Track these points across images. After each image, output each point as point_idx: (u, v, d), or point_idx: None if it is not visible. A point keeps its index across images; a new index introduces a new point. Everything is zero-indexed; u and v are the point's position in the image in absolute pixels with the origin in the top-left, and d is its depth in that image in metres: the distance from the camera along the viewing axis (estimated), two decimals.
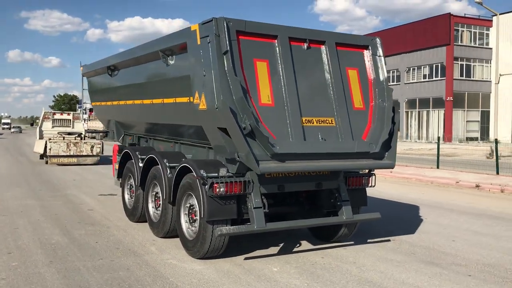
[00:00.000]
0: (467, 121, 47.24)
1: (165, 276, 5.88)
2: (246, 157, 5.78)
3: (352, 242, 7.74)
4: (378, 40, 7.15)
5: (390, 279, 5.95)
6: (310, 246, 7.47)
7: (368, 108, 6.87)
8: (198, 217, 6.57)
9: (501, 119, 46.00)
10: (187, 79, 6.78)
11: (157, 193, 7.93)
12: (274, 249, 7.23)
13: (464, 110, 46.93)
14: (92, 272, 5.97)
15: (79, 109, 67.04)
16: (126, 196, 9.34)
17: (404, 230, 8.66)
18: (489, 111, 47.34)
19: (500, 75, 37.58)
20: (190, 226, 6.84)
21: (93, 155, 20.34)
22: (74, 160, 20.11)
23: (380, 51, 7.10)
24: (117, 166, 9.99)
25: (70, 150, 19.88)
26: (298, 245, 7.53)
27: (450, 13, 46.44)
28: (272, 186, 6.51)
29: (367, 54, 7.07)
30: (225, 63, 5.90)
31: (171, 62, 7.40)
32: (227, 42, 5.89)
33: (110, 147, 32.30)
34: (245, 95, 5.81)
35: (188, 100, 6.97)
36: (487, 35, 48.16)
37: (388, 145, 6.77)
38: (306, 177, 6.73)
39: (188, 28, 6.66)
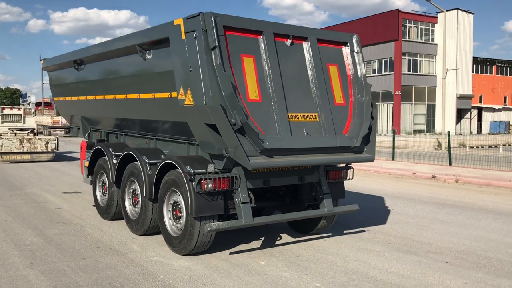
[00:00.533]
0: (414, 114, 49.04)
1: (155, 274, 5.84)
2: (236, 153, 5.81)
3: (330, 234, 7.94)
4: (355, 37, 7.33)
5: (374, 269, 6.17)
6: (291, 239, 7.60)
7: (348, 104, 7.05)
8: (184, 214, 6.54)
9: (447, 112, 48.00)
10: (169, 74, 6.71)
11: (134, 190, 7.81)
12: (256, 243, 7.31)
13: (412, 104, 48.68)
14: (79, 273, 5.84)
15: (23, 104, 64.36)
16: (98, 194, 9.14)
17: (375, 221, 8.96)
18: (435, 104, 49.32)
19: (447, 70, 39.21)
20: (174, 223, 6.80)
21: (48, 152, 19.65)
22: (28, 157, 19.35)
23: (357, 48, 7.29)
24: (86, 163, 9.76)
25: (23, 146, 19.13)
26: (279, 238, 7.65)
27: (398, 9, 47.93)
28: (258, 181, 6.58)
29: (346, 50, 7.24)
30: (213, 58, 5.88)
31: (149, 56, 7.30)
32: (216, 38, 5.87)
33: (66, 144, 31.35)
34: (235, 91, 5.82)
35: (170, 96, 6.91)
36: (433, 31, 50.06)
37: (367, 139, 6.98)
38: (290, 172, 6.84)
39: (170, 22, 6.58)
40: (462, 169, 17.06)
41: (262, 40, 6.42)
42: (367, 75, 8.12)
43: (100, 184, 9.10)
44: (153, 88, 7.37)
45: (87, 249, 6.90)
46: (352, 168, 7.58)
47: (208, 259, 6.49)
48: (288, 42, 6.68)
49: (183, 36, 6.26)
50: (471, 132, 50.04)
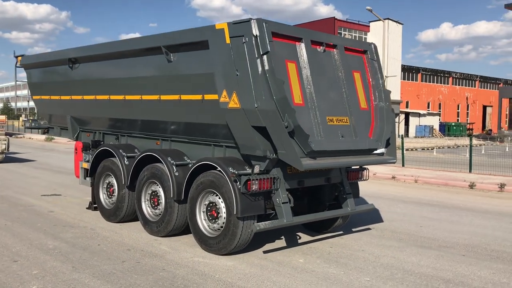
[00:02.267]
0: None
1: (209, 274, 5.92)
2: (287, 154, 6.04)
3: (342, 232, 8.34)
4: (373, 45, 7.79)
5: (407, 263, 6.63)
6: (309, 238, 7.91)
7: (371, 109, 7.49)
8: (223, 214, 6.66)
9: None
10: (205, 77, 6.82)
11: (155, 191, 7.77)
12: (280, 242, 7.55)
13: None
14: (131, 275, 5.80)
15: None
16: (103, 196, 8.93)
17: (372, 219, 9.47)
18: None
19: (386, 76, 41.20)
20: (210, 224, 6.87)
21: None
22: None
23: (375, 56, 7.75)
24: (85, 165, 9.49)
25: None
26: (298, 237, 7.93)
27: (334, 17, 49.74)
28: (293, 182, 6.85)
29: (366, 58, 7.68)
30: (265, 63, 6.07)
31: (175, 58, 7.34)
32: (267, 43, 6.07)
33: (16, 144, 29.49)
34: (287, 95, 6.05)
35: (202, 98, 7.01)
36: (365, 39, 52.39)
37: (389, 142, 7.45)
38: (319, 173, 7.17)
39: (210, 26, 6.68)
40: (416, 170, 18.23)
41: (301, 46, 6.70)
42: None
43: (105, 186, 8.90)
44: (179, 90, 7.41)
45: (118, 252, 6.80)
46: (368, 169, 8.03)
47: (247, 258, 6.65)
48: (321, 49, 7.00)
49: (228, 41, 6.39)
50: (400, 136, 52.86)
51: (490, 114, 73.00)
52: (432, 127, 57.19)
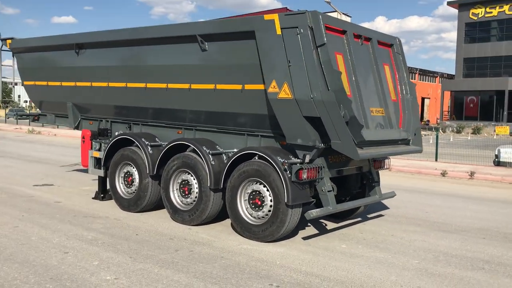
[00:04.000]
0: None
1: (270, 261, 6.04)
2: (342, 144, 6.24)
3: (360, 219, 8.69)
4: (398, 39, 8.13)
5: (440, 245, 7.06)
6: (334, 225, 8.17)
7: (398, 100, 7.83)
8: (268, 202, 6.78)
9: None
10: (247, 67, 6.90)
11: (185, 180, 7.73)
12: (312, 229, 7.76)
13: None
14: (196, 263, 5.83)
15: None
16: (120, 186, 8.75)
17: (377, 206, 9.88)
18: None
19: None
20: (253, 212, 6.96)
21: None
22: None
23: (400, 50, 8.10)
24: (95, 154, 9.25)
25: None
26: (324, 224, 8.18)
27: (286, 7, 50.21)
28: (333, 171, 7.08)
29: (392, 51, 8.00)
30: (320, 55, 6.23)
31: (211, 48, 7.34)
32: (324, 35, 6.22)
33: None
34: (343, 86, 6.24)
35: (242, 88, 7.08)
36: None
37: (415, 133, 7.84)
38: (353, 162, 7.44)
39: (257, 17, 6.74)
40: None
41: (346, 39, 6.90)
42: None
43: (122, 175, 8.73)
44: (214, 79, 7.41)
45: (163, 241, 6.77)
46: (389, 158, 8.40)
47: (292, 244, 6.83)
48: (360, 42, 7.24)
49: (278, 32, 6.48)
50: None
51: (427, 105, 76.68)
52: None
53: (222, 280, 5.31)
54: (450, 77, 77.60)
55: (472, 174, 15.43)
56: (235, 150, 7.54)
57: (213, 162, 7.34)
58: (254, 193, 6.96)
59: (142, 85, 8.48)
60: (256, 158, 6.92)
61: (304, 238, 7.19)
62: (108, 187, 9.12)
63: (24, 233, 6.93)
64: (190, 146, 7.70)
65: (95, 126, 9.97)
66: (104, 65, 9.12)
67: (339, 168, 7.16)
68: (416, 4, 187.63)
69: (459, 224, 8.54)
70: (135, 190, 8.48)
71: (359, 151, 6.38)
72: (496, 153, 18.14)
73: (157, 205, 8.51)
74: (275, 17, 6.52)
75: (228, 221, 7.90)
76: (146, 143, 8.26)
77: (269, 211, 6.79)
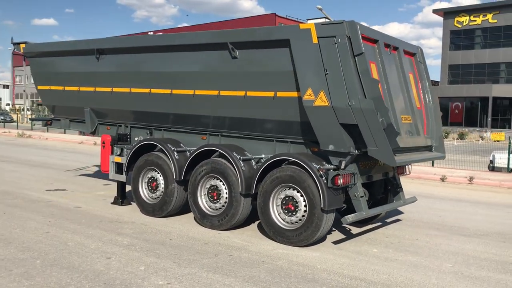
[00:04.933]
0: None
1: (311, 265, 6.17)
2: (379, 151, 6.42)
3: (380, 223, 8.88)
4: (420, 49, 8.37)
5: (467, 250, 7.28)
6: (358, 230, 8.34)
7: (422, 108, 8.06)
8: (302, 208, 6.91)
9: None
10: (283, 75, 7.03)
11: (214, 186, 7.82)
12: (338, 234, 7.91)
13: None
14: (241, 267, 5.92)
15: None
16: (143, 191, 8.78)
17: (391, 212, 10.09)
18: None
19: None
20: (286, 217, 7.08)
21: None
22: None
23: (423, 59, 8.34)
24: (117, 159, 9.26)
25: None
26: (349, 229, 8.34)
27: (275, 13, 50.60)
28: (364, 177, 7.26)
29: (415, 60, 8.24)
30: (358, 64, 6.41)
31: (242, 55, 7.46)
32: (362, 45, 6.40)
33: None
34: (380, 94, 6.43)
35: (274, 95, 7.23)
36: None
37: (438, 139, 8.08)
38: (381, 168, 7.63)
39: (292, 26, 6.92)
40: None
41: (377, 48, 7.10)
42: None
43: (146, 180, 8.76)
44: (245, 86, 7.54)
45: (198, 246, 6.85)
46: (411, 165, 8.61)
47: (325, 249, 6.97)
48: (388, 51, 7.45)
49: (315, 40, 6.64)
50: None
51: None
52: None
53: (273, 284, 5.42)
54: (433, 83, 78.52)
55: (471, 179, 15.79)
56: (263, 156, 7.69)
57: (243, 168, 7.45)
58: (287, 198, 7.09)
59: (167, 91, 8.55)
60: (287, 164, 7.06)
61: (334, 243, 7.34)
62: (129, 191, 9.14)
63: (58, 239, 6.94)
64: (216, 151, 7.82)
65: (112, 131, 10.01)
66: (127, 71, 9.17)
67: (369, 174, 7.34)
68: (396, 11, 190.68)
69: (476, 228, 8.79)
70: (160, 195, 8.53)
71: (397, 158, 6.56)
72: (491, 159, 18.57)
73: (180, 211, 8.60)
74: (312, 26, 6.68)
75: (254, 226, 8.02)
76: (173, 148, 8.33)
77: (303, 216, 6.92)
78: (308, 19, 52.59)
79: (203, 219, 7.93)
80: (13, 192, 10.58)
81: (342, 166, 6.72)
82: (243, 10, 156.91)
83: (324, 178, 6.65)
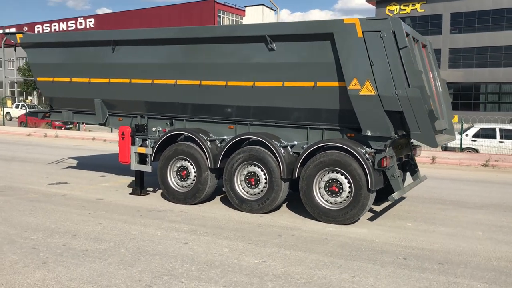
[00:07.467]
0: None
1: (370, 239, 6.79)
2: (424, 135, 7.15)
3: (390, 202, 9.66)
4: (429, 41, 9.19)
5: (480, 219, 8.22)
6: (377, 207, 9.08)
7: (435, 95, 8.89)
8: (346, 189, 7.51)
9: None
10: (325, 66, 7.56)
11: (251, 172, 8.20)
12: (367, 213, 8.59)
13: None
14: (313, 245, 6.43)
15: None
16: (172, 180, 8.96)
17: None
18: None
19: None
20: (330, 198, 7.64)
21: None
22: None
23: (431, 50, 9.17)
24: (141, 150, 9.35)
25: None
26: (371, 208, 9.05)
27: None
28: (396, 159, 7.98)
29: (426, 51, 9.04)
30: (402, 56, 7.06)
31: (279, 47, 7.89)
32: (406, 39, 7.06)
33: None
34: (424, 83, 7.13)
35: (314, 85, 7.75)
36: (241, 23, 54.23)
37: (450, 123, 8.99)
38: (404, 150, 8.40)
39: (336, 20, 7.43)
40: None
41: (409, 41, 7.78)
42: None
43: (175, 169, 8.95)
44: (282, 77, 7.97)
45: (255, 228, 7.26)
46: (421, 146, 9.45)
47: (366, 225, 7.64)
48: (414, 43, 8.17)
49: (360, 34, 7.22)
50: None
51: None
52: None
53: (355, 258, 5.99)
54: None
55: (433, 158, 17.18)
56: (295, 142, 8.20)
57: (284, 154, 7.92)
58: (330, 181, 7.65)
59: (196, 82, 8.78)
60: (323, 150, 7.65)
61: (370, 220, 8.03)
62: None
63: (117, 229, 7.06)
64: (246, 139, 8.29)
65: (125, 122, 10.04)
66: (149, 63, 9.23)
67: (399, 156, 8.08)
68: None
69: (474, 202, 9.82)
70: (191, 183, 8.78)
71: (437, 139, 7.35)
72: None
73: (210, 197, 8.97)
74: (356, 21, 7.24)
75: (284, 208, 8.55)
76: (205, 138, 8.60)
77: (347, 197, 7.52)
78: (245, 6, 53.06)
79: (241, 204, 8.31)
80: (17, 187, 10.31)
81: (387, 149, 7.38)
82: None
83: (370, 161, 7.28)
